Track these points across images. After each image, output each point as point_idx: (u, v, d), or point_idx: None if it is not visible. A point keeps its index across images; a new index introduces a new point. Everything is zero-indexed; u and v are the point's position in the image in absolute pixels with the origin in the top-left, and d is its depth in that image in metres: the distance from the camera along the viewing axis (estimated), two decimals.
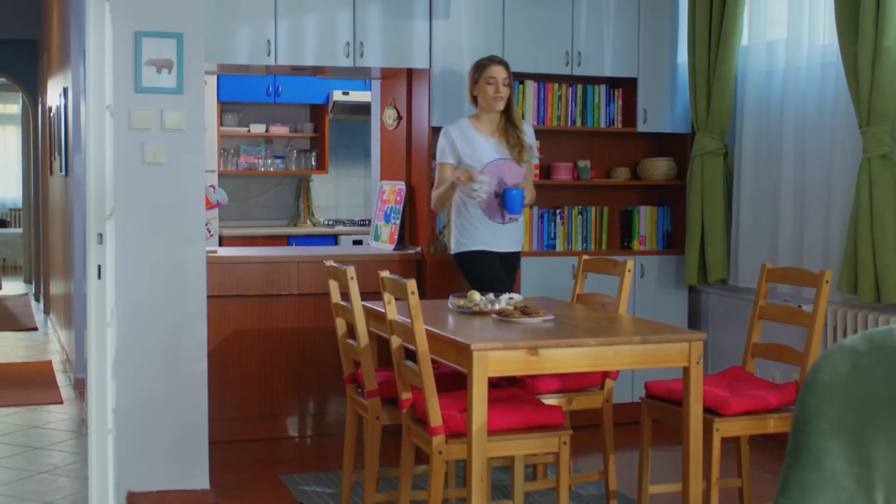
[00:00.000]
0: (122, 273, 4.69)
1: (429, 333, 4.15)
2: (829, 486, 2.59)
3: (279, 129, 9.16)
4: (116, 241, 4.65)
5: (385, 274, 4.20)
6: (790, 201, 5.86)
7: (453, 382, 4.58)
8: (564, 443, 4.03)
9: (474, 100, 5.66)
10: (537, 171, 6.35)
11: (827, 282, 4.38)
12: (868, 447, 2.65)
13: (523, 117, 6.54)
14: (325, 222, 9.28)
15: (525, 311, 4.42)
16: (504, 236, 5.64)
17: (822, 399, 2.69)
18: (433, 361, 4.46)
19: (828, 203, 5.62)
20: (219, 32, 5.72)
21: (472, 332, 4.06)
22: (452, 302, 4.69)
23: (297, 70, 6.44)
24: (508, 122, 5.64)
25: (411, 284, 3.92)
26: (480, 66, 5.62)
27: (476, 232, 5.59)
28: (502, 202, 5.53)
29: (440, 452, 3.93)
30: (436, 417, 3.92)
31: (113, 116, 4.63)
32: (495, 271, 5.57)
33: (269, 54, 5.91)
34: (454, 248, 5.69)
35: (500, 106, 5.59)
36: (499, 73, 5.58)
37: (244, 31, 5.87)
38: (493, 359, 3.80)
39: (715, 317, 6.70)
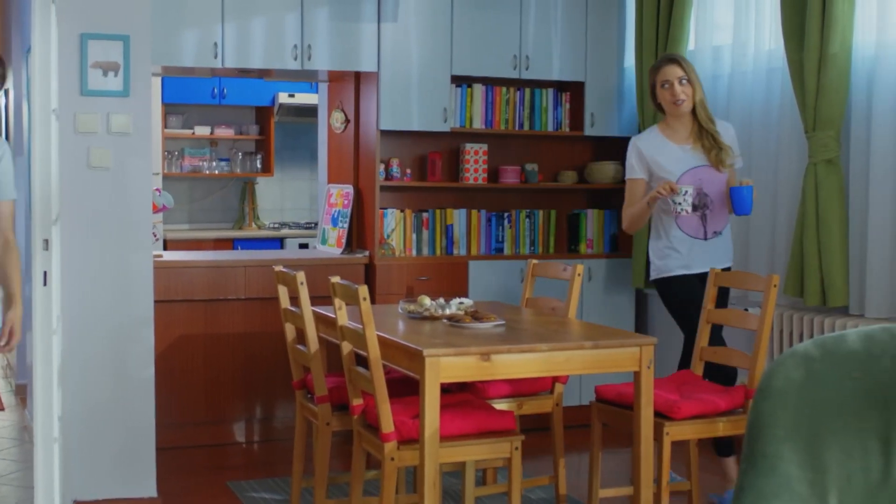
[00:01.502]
0: (68, 279, 4.63)
1: (380, 339, 4.13)
2: (783, 492, 2.61)
3: (224, 132, 9.10)
4: (62, 247, 4.58)
5: (336, 279, 4.18)
6: None
7: (404, 388, 4.57)
8: (516, 448, 4.03)
9: (659, 107, 5.17)
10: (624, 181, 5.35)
11: (775, 286, 4.42)
12: (821, 452, 2.67)
13: (470, 122, 6.54)
14: (271, 225, 9.22)
15: (476, 315, 4.42)
16: (706, 256, 5.03)
17: (775, 405, 2.71)
18: (383, 367, 4.46)
19: (773, 207, 5.67)
20: (165, 35, 5.66)
21: (424, 337, 4.05)
22: (403, 307, 4.68)
23: (244, 73, 6.39)
24: (700, 124, 5.09)
25: (363, 290, 3.90)
26: (654, 70, 5.14)
27: (677, 256, 5.04)
28: (730, 202, 4.99)
29: (392, 459, 3.91)
30: (388, 424, 3.90)
31: (58, 120, 4.57)
32: (696, 295, 4.91)
33: (216, 57, 5.86)
34: (654, 275, 5.19)
35: (684, 108, 5.04)
36: (672, 73, 5.04)
37: (191, 33, 5.81)
38: (446, 365, 3.79)
39: (661, 320, 6.73)
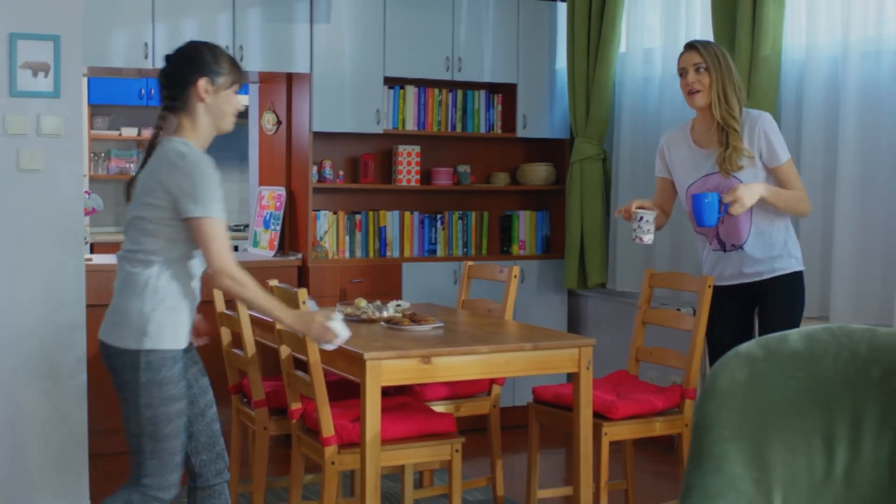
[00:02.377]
0: None
1: None
2: (729, 491, 2.64)
3: (151, 133, 8.96)
4: None
5: (274, 283, 4.15)
6: None
7: (341, 391, 4.55)
8: (456, 450, 4.03)
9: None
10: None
11: (709, 286, 4.46)
12: (766, 451, 2.70)
13: (403, 124, 6.53)
14: None
15: (414, 318, 4.41)
16: (732, 269, 4.41)
17: (720, 405, 2.74)
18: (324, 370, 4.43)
19: None
20: (94, 35, 5.56)
21: (363, 340, 4.02)
22: (340, 309, 4.65)
23: None
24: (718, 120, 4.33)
25: (302, 293, 3.87)
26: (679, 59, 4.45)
27: (706, 268, 4.51)
28: (691, 211, 4.33)
29: (333, 463, 3.89)
30: (328, 428, 3.88)
31: None
32: (722, 310, 4.47)
33: (146, 57, 5.78)
34: None
35: (698, 102, 4.32)
36: (687, 59, 4.34)
37: (121, 33, 5.72)
38: (387, 368, 3.78)
39: (594, 320, 6.79)
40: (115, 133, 8.81)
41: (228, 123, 3.45)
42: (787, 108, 5.27)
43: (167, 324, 3.34)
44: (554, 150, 6.96)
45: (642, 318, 4.83)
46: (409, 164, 6.57)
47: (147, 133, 8.91)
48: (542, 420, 4.60)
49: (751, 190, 4.16)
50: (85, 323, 4.78)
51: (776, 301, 4.34)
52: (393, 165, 6.62)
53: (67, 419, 4.73)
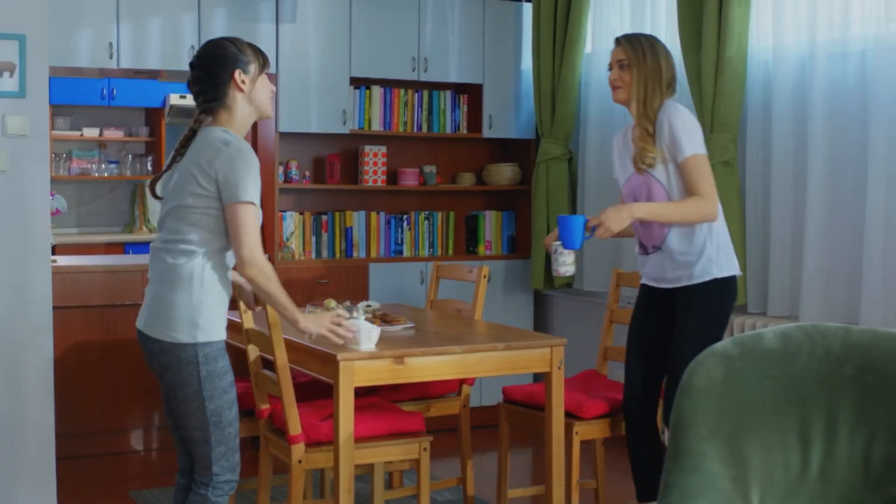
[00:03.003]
0: None
1: (290, 343, 4.09)
2: (707, 489, 2.65)
3: (113, 133, 8.91)
4: None
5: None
6: None
7: (311, 391, 4.53)
8: (425, 449, 4.03)
9: None
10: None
11: None
12: (743, 449, 2.72)
13: (369, 124, 6.52)
14: None
15: (385, 318, 4.40)
16: (653, 272, 4.22)
17: (698, 403, 2.75)
18: (290, 371, 4.41)
19: None
20: (58, 34, 5.51)
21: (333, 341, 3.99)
22: (309, 310, 4.63)
23: (139, 73, 6.27)
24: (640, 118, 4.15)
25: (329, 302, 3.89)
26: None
27: (637, 260, 4.36)
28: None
29: (300, 462, 3.87)
30: (295, 426, 3.86)
31: None
32: (637, 310, 4.34)
33: (111, 57, 5.74)
34: None
35: (618, 97, 4.19)
36: (613, 55, 4.20)
37: (85, 33, 5.68)
38: (360, 368, 3.77)
39: (561, 320, 6.81)
40: (76, 133, 8.73)
41: (269, 108, 3.51)
42: (754, 109, 5.31)
43: (216, 314, 3.37)
44: (520, 151, 6.98)
45: (610, 317, 4.85)
46: (375, 164, 6.56)
47: (109, 133, 8.85)
48: (513, 420, 4.60)
49: (619, 213, 3.95)
50: (52, 325, 4.74)
51: (686, 309, 4.08)
52: (359, 166, 6.60)
53: (34, 422, 4.69)
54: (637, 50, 4.15)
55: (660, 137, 4.08)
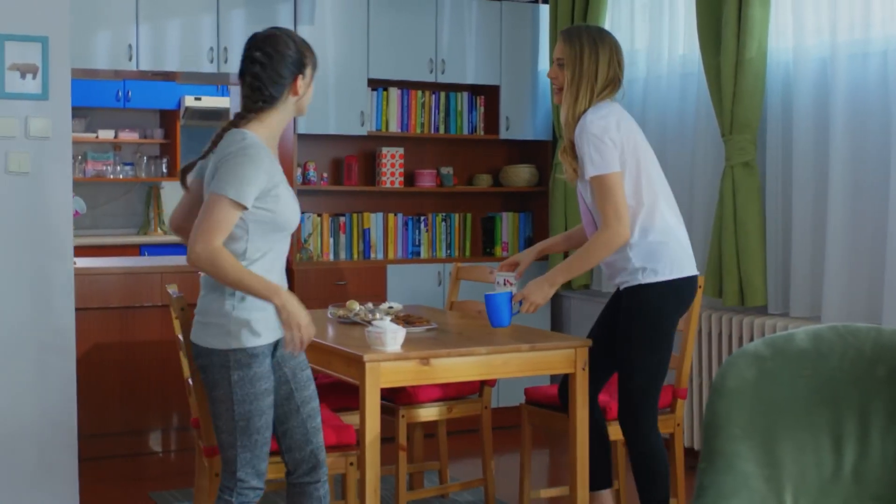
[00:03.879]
0: None
1: (314, 344, 4.10)
2: (741, 489, 2.66)
3: (128, 135, 8.93)
4: None
5: None
6: None
7: (335, 393, 4.55)
8: (351, 464, 3.90)
9: None
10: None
11: (699, 287, 4.48)
12: (776, 449, 2.72)
13: (387, 126, 6.53)
14: None
15: (408, 320, 4.40)
16: (604, 274, 4.27)
17: (731, 404, 2.75)
18: (313, 372, 4.42)
19: (690, 210, 5.75)
20: (79, 36, 5.52)
21: (359, 342, 4.00)
22: (332, 311, 4.65)
23: (158, 75, 6.28)
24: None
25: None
26: None
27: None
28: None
29: (217, 475, 3.76)
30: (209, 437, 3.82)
31: None
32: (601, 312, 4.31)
33: (130, 59, 5.75)
34: None
35: (556, 98, 4.04)
36: (556, 49, 4.00)
37: (105, 35, 5.69)
38: (386, 369, 3.77)
39: (577, 321, 6.80)
40: (91, 135, 8.75)
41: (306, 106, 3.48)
42: (774, 110, 5.30)
43: (254, 319, 3.30)
44: (537, 152, 6.98)
45: None
46: (392, 165, 6.57)
47: (124, 135, 8.88)
48: (535, 421, 4.60)
49: (541, 287, 3.99)
50: (74, 326, 4.75)
51: (625, 312, 4.03)
52: (376, 167, 6.61)
53: (57, 423, 4.70)
54: (574, 47, 3.92)
55: (578, 152, 3.90)
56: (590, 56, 3.91)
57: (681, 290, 4.02)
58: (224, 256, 3.22)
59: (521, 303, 4.03)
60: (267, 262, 3.36)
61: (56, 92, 4.64)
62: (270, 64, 3.37)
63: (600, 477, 4.24)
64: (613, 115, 3.93)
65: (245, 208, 3.24)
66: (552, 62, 4.01)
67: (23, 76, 4.57)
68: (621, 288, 4.06)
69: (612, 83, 3.97)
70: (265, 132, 3.39)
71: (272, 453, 3.57)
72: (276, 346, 3.42)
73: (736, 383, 2.77)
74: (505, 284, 4.21)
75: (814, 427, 2.75)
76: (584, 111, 3.90)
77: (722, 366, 2.80)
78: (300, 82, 3.40)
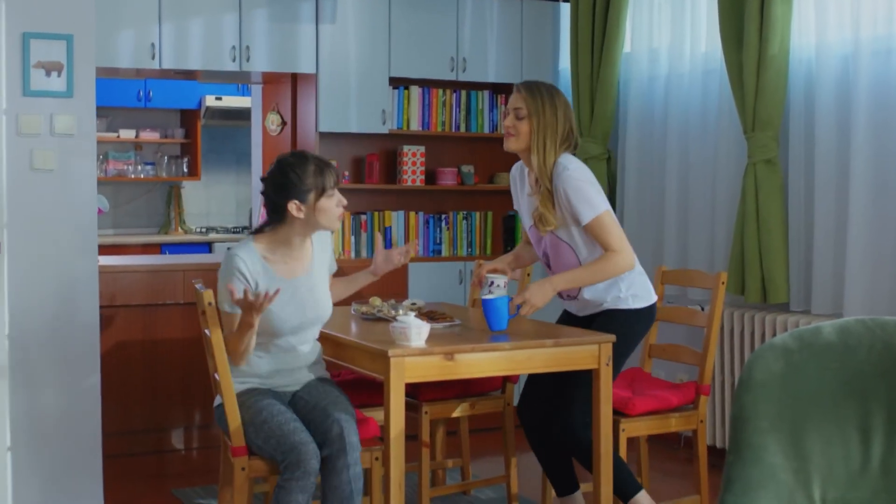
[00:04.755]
0: (13, 283, 4.51)
1: (338, 340, 4.13)
2: (769, 481, 2.65)
3: (149, 135, 8.96)
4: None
5: None
6: (674, 205, 5.98)
7: (358, 389, 4.56)
8: (377, 458, 3.95)
9: None
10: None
11: (723, 283, 4.49)
12: (803, 442, 2.72)
13: (408, 124, 6.54)
14: (198, 230, 9.10)
15: (431, 316, 4.41)
16: (572, 309, 4.48)
17: (758, 397, 2.75)
18: (337, 368, 4.44)
19: (712, 207, 5.76)
20: (103, 35, 5.54)
21: (384, 338, 4.00)
22: (355, 308, 4.66)
23: (180, 74, 6.31)
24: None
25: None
26: None
27: None
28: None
29: (243, 469, 3.81)
30: (238, 438, 3.84)
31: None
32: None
33: (153, 58, 5.78)
34: None
35: (508, 146, 4.25)
36: (511, 102, 4.25)
37: (128, 34, 5.72)
38: (410, 365, 3.78)
39: None
40: (113, 135, 8.79)
41: (335, 225, 3.94)
42: (796, 107, 5.29)
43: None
44: None
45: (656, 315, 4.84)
46: (413, 164, 6.58)
47: (145, 135, 8.91)
48: None
49: (542, 288, 4.12)
50: (98, 323, 4.77)
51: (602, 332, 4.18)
52: (398, 166, 6.62)
53: (82, 418, 4.73)
54: (537, 100, 4.18)
55: (558, 201, 4.15)
56: (551, 108, 4.18)
57: (653, 315, 4.39)
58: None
59: (519, 306, 4.13)
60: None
61: (81, 89, 4.67)
62: (267, 188, 3.89)
63: (566, 483, 4.39)
64: (583, 168, 4.22)
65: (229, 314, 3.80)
66: (517, 116, 4.20)
67: (48, 74, 4.60)
68: (600, 310, 4.29)
69: (570, 137, 4.23)
70: (264, 243, 3.90)
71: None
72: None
73: (763, 376, 2.77)
74: (493, 286, 4.26)
75: (841, 420, 2.74)
76: (554, 162, 4.17)
77: (749, 359, 2.80)
78: (296, 206, 3.81)
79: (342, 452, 3.68)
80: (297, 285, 3.90)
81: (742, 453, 2.69)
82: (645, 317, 4.33)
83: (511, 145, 4.24)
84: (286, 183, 3.81)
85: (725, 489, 2.64)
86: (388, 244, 6.55)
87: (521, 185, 4.41)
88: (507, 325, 4.15)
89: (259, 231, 3.92)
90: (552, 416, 4.28)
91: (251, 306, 3.62)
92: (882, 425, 2.72)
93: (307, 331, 3.96)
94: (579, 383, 4.19)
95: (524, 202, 4.39)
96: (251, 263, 3.83)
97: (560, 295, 4.34)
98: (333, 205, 3.86)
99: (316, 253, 4.02)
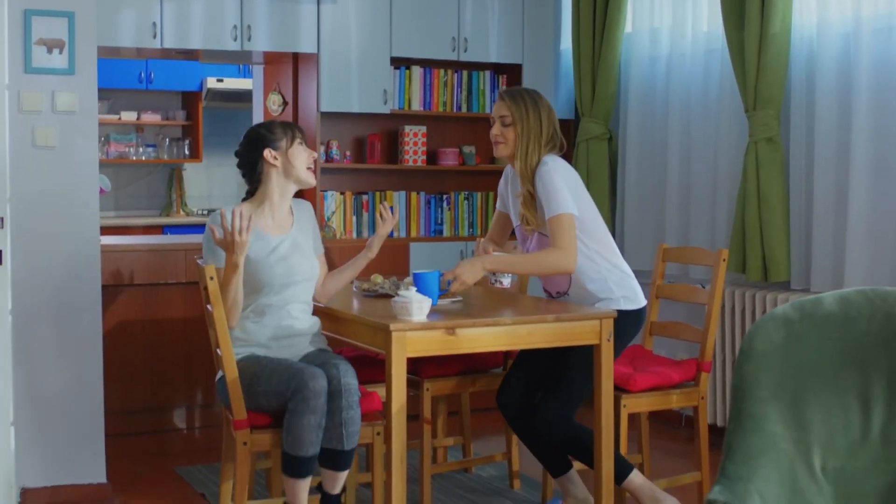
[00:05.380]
0: (16, 259, 4.52)
1: (339, 315, 4.14)
2: (770, 450, 2.66)
3: (151, 117, 8.96)
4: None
5: None
6: (676, 185, 5.99)
7: (360, 365, 4.57)
8: (378, 433, 3.98)
9: None
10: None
11: (724, 260, 4.49)
12: (804, 412, 2.73)
13: (409, 104, 6.54)
14: (199, 212, 9.11)
15: None
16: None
17: (758, 367, 2.76)
18: (339, 345, 4.45)
19: (713, 186, 5.76)
20: (104, 14, 5.55)
21: (385, 313, 4.01)
22: (357, 285, 4.67)
23: (182, 54, 6.31)
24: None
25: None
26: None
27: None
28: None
29: (245, 444, 3.83)
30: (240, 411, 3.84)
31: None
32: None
33: (154, 36, 5.78)
34: None
35: (499, 152, 4.36)
36: (495, 110, 4.35)
37: (129, 12, 5.72)
38: (412, 339, 3.79)
39: None
40: (114, 117, 8.79)
41: (307, 176, 4.09)
42: (797, 85, 5.29)
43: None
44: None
45: (656, 292, 4.85)
46: (415, 144, 6.58)
47: (146, 117, 8.92)
48: None
49: (473, 266, 4.13)
50: (100, 300, 4.78)
51: None
52: (399, 146, 6.63)
53: (84, 396, 4.73)
54: (520, 107, 4.29)
55: (537, 199, 4.26)
56: (535, 113, 4.28)
57: (642, 319, 4.42)
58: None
59: (450, 282, 4.16)
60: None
61: (82, 67, 4.66)
62: (242, 151, 4.12)
63: (557, 464, 4.37)
64: (565, 168, 4.29)
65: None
66: (503, 123, 4.30)
67: (49, 51, 4.60)
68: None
69: (554, 139, 4.32)
70: (248, 206, 4.10)
71: None
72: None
73: (764, 346, 2.78)
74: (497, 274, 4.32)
75: (842, 390, 2.75)
76: (537, 163, 4.26)
77: (750, 329, 2.81)
78: (272, 154, 4.04)
79: (337, 394, 3.77)
80: (282, 241, 4.07)
81: (743, 422, 2.70)
82: (634, 319, 4.36)
83: (500, 152, 4.35)
84: (257, 137, 4.06)
85: (726, 457, 2.65)
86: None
87: (511, 185, 4.49)
88: (437, 301, 4.13)
89: (244, 200, 4.16)
90: (532, 410, 4.30)
91: (232, 243, 3.77)
92: (882, 395, 2.73)
93: (296, 287, 4.06)
94: (563, 375, 4.24)
95: (511, 203, 4.48)
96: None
97: (549, 293, 4.45)
98: (305, 154, 4.08)
99: (297, 220, 4.18)
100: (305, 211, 4.26)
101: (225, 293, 3.86)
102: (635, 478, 4.23)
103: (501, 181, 4.59)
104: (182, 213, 9.10)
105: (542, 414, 4.22)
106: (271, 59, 6.62)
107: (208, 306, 3.88)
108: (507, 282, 4.41)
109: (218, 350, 3.87)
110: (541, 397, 4.27)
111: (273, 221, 4.09)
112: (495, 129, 4.33)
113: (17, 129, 4.56)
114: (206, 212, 9.08)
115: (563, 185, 4.20)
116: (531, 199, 4.27)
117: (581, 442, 4.21)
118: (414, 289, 3.94)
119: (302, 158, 4.07)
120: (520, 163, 4.27)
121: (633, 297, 4.35)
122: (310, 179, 4.10)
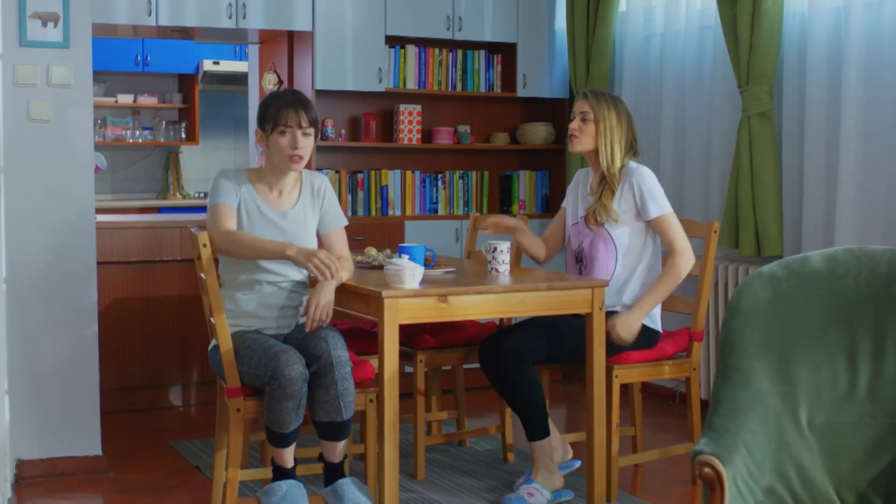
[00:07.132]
0: (10, 232, 4.53)
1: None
2: (757, 404, 2.69)
3: (147, 100, 8.97)
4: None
5: None
6: (669, 161, 6.01)
7: (355, 337, 4.59)
8: (371, 400, 3.97)
9: None
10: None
11: (715, 232, 4.52)
12: (791, 367, 2.76)
13: (404, 83, 6.56)
14: (196, 194, 9.13)
15: (426, 262, 4.43)
16: None
17: (746, 322, 2.79)
18: (336, 316, 4.46)
19: (707, 161, 5.79)
20: None
21: (378, 282, 4.03)
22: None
23: (178, 32, 6.31)
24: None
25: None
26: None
27: None
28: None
29: (238, 410, 3.84)
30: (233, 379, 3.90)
31: None
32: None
33: (150, 14, 5.78)
34: None
35: (576, 147, 4.47)
36: (577, 107, 4.48)
37: None
38: (404, 306, 3.81)
39: None
40: (111, 100, 8.80)
41: (284, 163, 3.99)
42: (789, 60, 5.31)
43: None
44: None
45: None
46: (410, 123, 6.60)
47: (143, 100, 8.92)
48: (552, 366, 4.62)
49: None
50: (96, 273, 4.79)
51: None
52: (394, 125, 6.64)
53: (79, 369, 4.75)
54: (602, 106, 4.42)
55: (626, 198, 4.37)
56: (616, 114, 4.44)
57: (654, 341, 4.50)
58: (227, 236, 3.96)
59: (434, 259, 4.34)
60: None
61: (77, 40, 4.67)
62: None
63: (540, 427, 4.27)
64: (654, 176, 4.45)
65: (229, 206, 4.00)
66: (581, 118, 4.42)
67: (44, 24, 4.61)
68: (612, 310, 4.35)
69: (634, 145, 4.49)
70: (254, 174, 4.11)
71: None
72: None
73: (751, 303, 2.80)
74: (495, 252, 4.29)
75: (829, 346, 2.78)
76: (622, 165, 4.42)
77: (738, 286, 2.83)
78: (259, 134, 4.04)
79: (329, 367, 3.76)
80: (283, 216, 4.05)
81: (730, 376, 2.72)
82: (649, 339, 4.41)
83: (576, 147, 4.45)
84: (260, 110, 4.06)
85: (713, 410, 2.68)
86: (385, 204, 6.57)
87: (582, 187, 4.59)
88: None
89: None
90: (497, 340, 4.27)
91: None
92: (868, 351, 2.76)
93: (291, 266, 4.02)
94: (545, 332, 4.23)
95: (580, 202, 4.56)
96: (237, 180, 4.05)
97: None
98: (284, 143, 3.95)
99: (304, 195, 4.12)
100: (318, 185, 4.17)
101: (247, 250, 3.91)
102: (545, 445, 4.23)
103: (571, 185, 4.68)
104: (179, 195, 9.11)
105: (504, 341, 4.19)
106: (266, 38, 6.63)
107: (202, 275, 3.89)
108: (504, 269, 4.36)
109: (211, 318, 3.89)
110: (513, 335, 4.22)
111: (272, 194, 4.07)
112: (574, 125, 4.44)
113: (11, 103, 4.58)
114: (202, 195, 9.10)
115: (658, 186, 4.38)
116: (610, 195, 4.38)
117: (523, 388, 4.17)
118: (406, 256, 3.96)
119: (279, 147, 3.94)
120: (605, 158, 4.39)
121: (657, 318, 4.47)
122: (289, 168, 3.98)
